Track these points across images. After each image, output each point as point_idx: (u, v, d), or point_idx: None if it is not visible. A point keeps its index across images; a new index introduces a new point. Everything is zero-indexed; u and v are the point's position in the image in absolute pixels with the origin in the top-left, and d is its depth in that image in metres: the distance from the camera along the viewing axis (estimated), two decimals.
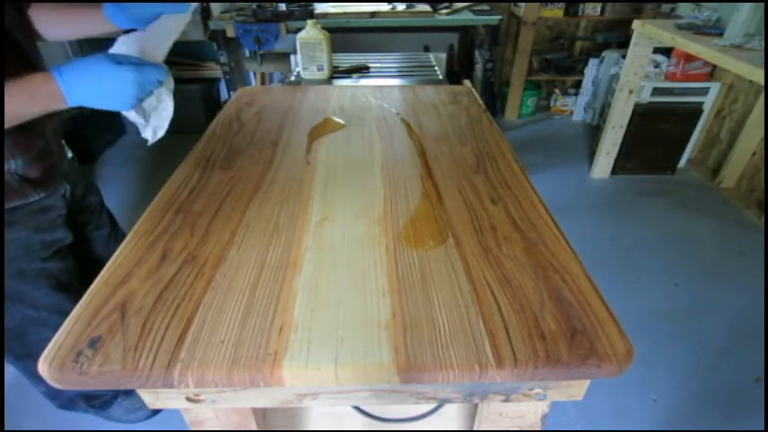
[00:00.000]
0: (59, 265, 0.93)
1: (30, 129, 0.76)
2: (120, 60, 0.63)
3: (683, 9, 2.48)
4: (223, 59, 2.59)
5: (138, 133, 0.73)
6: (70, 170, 0.98)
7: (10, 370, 1.42)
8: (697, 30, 1.87)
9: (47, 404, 1.22)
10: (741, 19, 1.62)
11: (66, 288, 0.95)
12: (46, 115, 0.68)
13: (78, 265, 1.01)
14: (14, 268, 0.86)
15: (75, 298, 0.54)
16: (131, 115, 0.70)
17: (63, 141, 0.97)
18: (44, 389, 1.14)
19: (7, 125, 0.65)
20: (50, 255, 0.91)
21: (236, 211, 0.72)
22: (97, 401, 1.24)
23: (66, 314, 0.52)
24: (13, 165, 0.80)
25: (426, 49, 2.64)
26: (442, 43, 2.71)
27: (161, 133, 0.73)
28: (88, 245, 1.09)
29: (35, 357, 0.48)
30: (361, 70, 1.59)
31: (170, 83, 0.71)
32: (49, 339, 0.49)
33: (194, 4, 0.79)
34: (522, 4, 2.83)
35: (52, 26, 0.86)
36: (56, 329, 0.50)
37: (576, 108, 3.24)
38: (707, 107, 2.41)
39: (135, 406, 1.27)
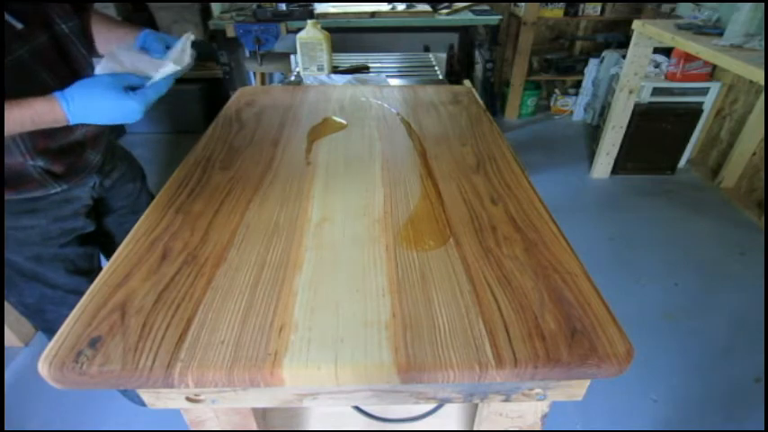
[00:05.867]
0: (77, 251, 0.96)
1: (50, 131, 0.76)
2: (124, 84, 0.63)
3: (683, 9, 2.48)
4: (223, 59, 2.59)
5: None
6: (107, 160, 0.98)
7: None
8: (697, 30, 1.86)
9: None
10: (741, 19, 1.62)
11: (84, 272, 0.97)
12: None
13: (108, 249, 1.04)
14: (31, 252, 0.89)
15: (94, 279, 0.56)
16: None
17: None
18: None
19: (7, 134, 0.65)
20: (68, 241, 0.93)
21: (236, 211, 0.72)
22: None
23: (83, 294, 0.54)
24: (31, 161, 0.80)
25: (426, 49, 2.64)
26: (442, 43, 2.70)
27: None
28: (123, 228, 1.09)
29: (56, 332, 0.50)
30: (361, 70, 1.59)
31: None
32: (66, 317, 0.51)
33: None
34: (522, 4, 2.83)
35: (104, 41, 0.88)
36: (73, 308, 0.52)
37: (576, 108, 3.24)
38: (707, 107, 2.41)
39: None
